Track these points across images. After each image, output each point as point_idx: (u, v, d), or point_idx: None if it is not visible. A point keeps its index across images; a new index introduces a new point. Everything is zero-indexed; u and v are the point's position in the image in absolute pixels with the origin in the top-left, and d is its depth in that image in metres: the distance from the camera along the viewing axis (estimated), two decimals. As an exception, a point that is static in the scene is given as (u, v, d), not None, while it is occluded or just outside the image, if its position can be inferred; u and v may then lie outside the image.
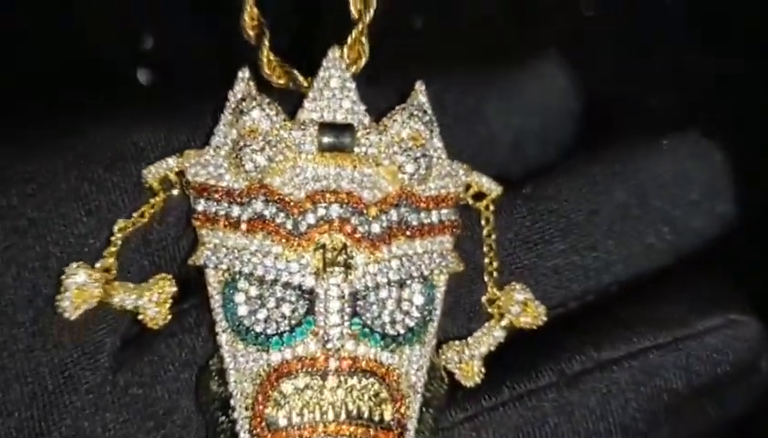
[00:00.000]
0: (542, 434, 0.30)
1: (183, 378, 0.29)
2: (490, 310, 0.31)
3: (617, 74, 0.44)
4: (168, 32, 0.42)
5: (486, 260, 0.31)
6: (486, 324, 0.31)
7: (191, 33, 0.42)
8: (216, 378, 0.29)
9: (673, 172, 0.33)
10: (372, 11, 0.31)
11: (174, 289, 0.29)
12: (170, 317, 0.29)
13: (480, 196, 0.32)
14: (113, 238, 0.29)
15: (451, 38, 0.35)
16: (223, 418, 0.29)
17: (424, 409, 0.30)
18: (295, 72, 0.31)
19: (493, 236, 0.31)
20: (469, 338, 0.31)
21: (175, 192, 0.30)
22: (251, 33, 0.31)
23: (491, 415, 0.30)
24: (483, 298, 0.31)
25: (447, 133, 0.32)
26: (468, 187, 0.32)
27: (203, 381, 0.29)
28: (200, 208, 0.29)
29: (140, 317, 0.29)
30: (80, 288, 0.28)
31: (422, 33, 0.35)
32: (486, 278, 0.31)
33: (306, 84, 0.30)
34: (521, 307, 0.31)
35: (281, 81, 0.31)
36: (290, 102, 0.30)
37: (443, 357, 0.30)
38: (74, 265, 0.28)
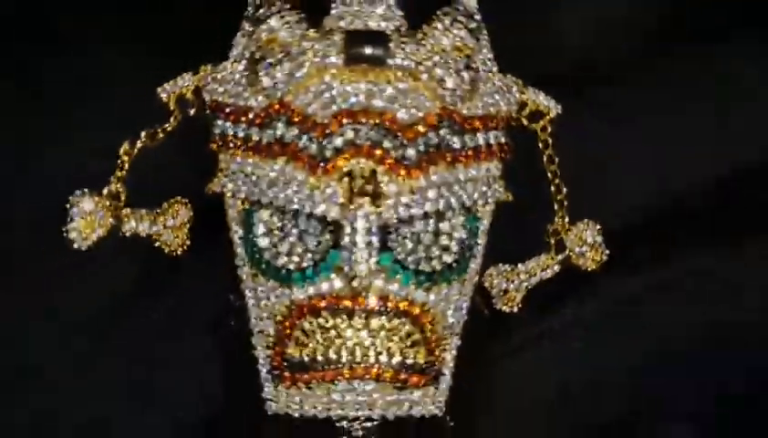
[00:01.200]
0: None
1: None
2: (551, 241, 0.29)
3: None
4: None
5: (552, 188, 0.29)
6: (543, 255, 0.29)
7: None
8: (236, 315, 0.27)
9: None
10: None
11: (191, 214, 0.28)
12: (188, 242, 0.28)
13: (536, 116, 0.28)
14: (119, 161, 0.27)
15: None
16: (244, 355, 0.27)
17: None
18: None
19: (556, 161, 0.28)
20: (520, 266, 0.29)
21: (192, 111, 0.27)
22: None
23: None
24: (550, 227, 0.29)
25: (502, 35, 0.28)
26: (522, 106, 0.28)
27: (223, 318, 0.28)
28: (217, 130, 0.27)
29: (157, 244, 0.28)
30: (88, 216, 0.26)
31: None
32: (556, 207, 0.29)
33: None
34: (588, 249, 0.28)
35: None
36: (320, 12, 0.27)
37: (488, 280, 0.28)
38: (78, 192, 0.26)
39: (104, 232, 0.27)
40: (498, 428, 0.31)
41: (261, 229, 0.26)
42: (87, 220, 0.26)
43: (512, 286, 0.28)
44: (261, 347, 0.26)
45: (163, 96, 0.27)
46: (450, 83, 0.26)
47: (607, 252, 0.28)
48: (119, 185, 0.27)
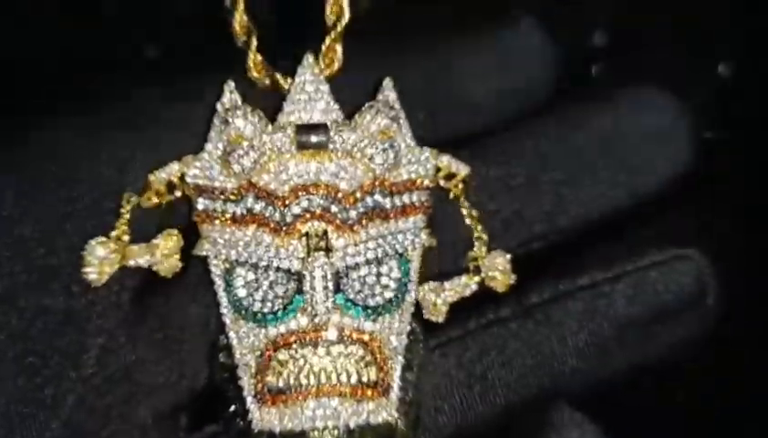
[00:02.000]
0: (503, 357, 0.34)
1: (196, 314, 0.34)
2: (470, 266, 0.35)
3: (585, 30, 0.46)
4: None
5: (472, 227, 0.35)
6: (464, 276, 0.35)
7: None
8: (224, 352, 0.33)
9: (629, 121, 0.37)
10: (345, 20, 0.34)
11: (181, 243, 0.33)
12: (180, 266, 0.33)
13: (450, 177, 0.35)
14: (122, 211, 0.33)
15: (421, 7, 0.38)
16: (231, 386, 0.33)
17: (406, 369, 0.34)
18: (278, 75, 0.34)
19: (474, 212, 0.35)
20: (446, 283, 0.34)
21: (178, 193, 0.34)
22: (241, 36, 0.35)
23: (458, 342, 0.34)
24: (470, 253, 0.35)
25: (420, 94, 0.35)
26: (438, 170, 0.35)
27: (214, 356, 0.34)
28: (200, 206, 0.34)
29: (155, 269, 0.33)
30: (102, 261, 0.32)
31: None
32: (475, 240, 0.35)
33: (286, 86, 0.34)
34: (499, 274, 0.34)
35: (266, 82, 0.35)
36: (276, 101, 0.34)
37: (421, 293, 0.34)
38: (92, 242, 0.32)
39: (114, 269, 0.33)
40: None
41: (240, 282, 0.33)
42: (101, 263, 0.32)
43: (439, 300, 0.34)
44: (245, 377, 0.33)
45: (155, 182, 0.34)
46: (378, 159, 0.33)
47: (514, 277, 0.35)
48: (123, 229, 0.33)
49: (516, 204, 0.36)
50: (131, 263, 0.33)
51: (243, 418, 0.33)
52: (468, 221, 0.35)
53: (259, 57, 0.34)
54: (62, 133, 0.34)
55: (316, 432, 0.33)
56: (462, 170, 0.35)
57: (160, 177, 0.34)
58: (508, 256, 0.35)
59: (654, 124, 0.37)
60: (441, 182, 0.35)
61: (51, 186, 0.33)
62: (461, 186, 0.35)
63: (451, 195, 0.35)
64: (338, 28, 0.34)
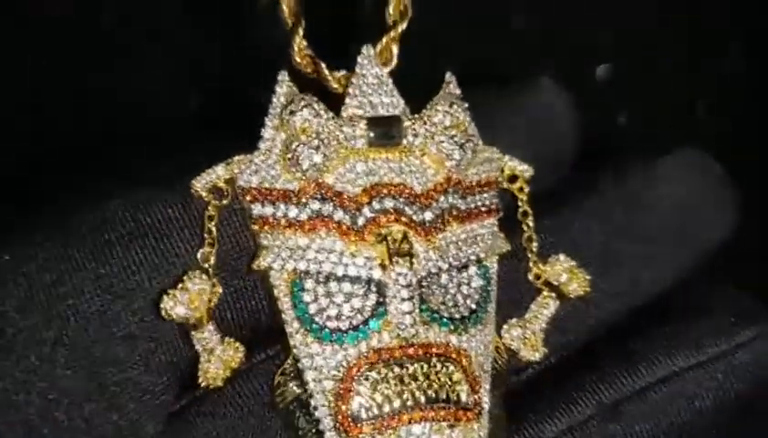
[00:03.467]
0: None
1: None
2: (538, 285, 0.32)
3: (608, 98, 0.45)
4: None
5: (525, 237, 0.32)
6: (538, 298, 0.32)
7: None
8: (294, 380, 0.29)
9: (674, 189, 0.34)
10: (407, 21, 0.32)
11: (241, 357, 0.29)
12: (221, 383, 0.29)
13: (513, 179, 0.33)
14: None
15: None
16: (304, 419, 0.28)
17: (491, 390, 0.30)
18: (322, 64, 0.31)
19: (531, 215, 0.33)
20: (526, 315, 0.32)
21: (225, 201, 0.29)
22: (288, 20, 0.31)
23: None
24: (530, 275, 0.32)
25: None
26: (502, 170, 0.33)
27: (280, 386, 0.29)
28: (256, 213, 0.29)
29: (200, 373, 0.29)
30: (198, 292, 0.28)
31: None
32: (529, 255, 0.32)
33: (329, 75, 0.31)
34: (568, 275, 0.32)
35: (308, 70, 0.31)
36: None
37: (506, 336, 0.31)
38: (196, 271, 0.28)
39: (197, 315, 0.28)
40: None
41: (309, 297, 0.29)
42: (196, 295, 0.28)
43: (528, 332, 0.31)
44: (322, 404, 0.28)
45: (198, 187, 0.29)
46: (456, 155, 0.30)
47: (587, 276, 0.32)
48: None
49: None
50: (200, 336, 0.29)
51: None
52: (525, 230, 0.33)
53: (304, 43, 0.31)
54: None
55: None
56: (527, 170, 0.33)
57: (204, 182, 0.29)
58: (564, 257, 0.32)
59: (698, 188, 0.35)
60: (505, 185, 0.33)
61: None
62: (525, 189, 0.33)
63: (518, 201, 0.33)
64: (399, 28, 0.32)
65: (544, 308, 0.32)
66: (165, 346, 0.29)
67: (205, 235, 0.29)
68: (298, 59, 0.31)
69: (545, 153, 0.34)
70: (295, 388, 0.29)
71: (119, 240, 0.28)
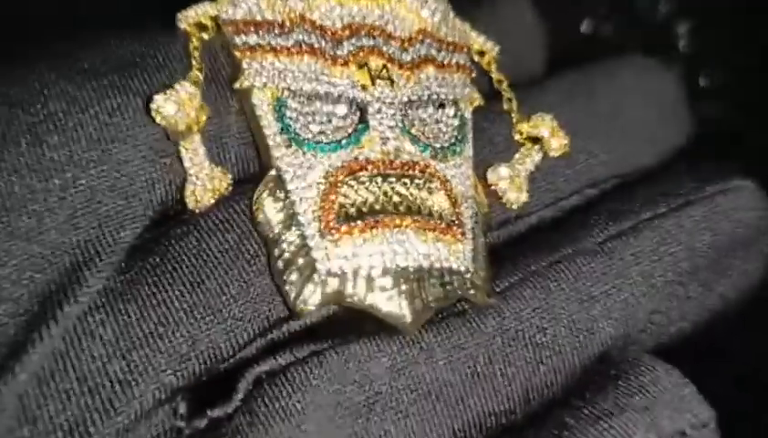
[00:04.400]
0: (577, 295, 0.30)
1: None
2: (521, 140, 0.33)
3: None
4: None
5: (505, 99, 0.34)
6: (522, 148, 0.33)
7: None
8: (275, 196, 0.28)
9: (635, 88, 0.37)
10: None
11: (228, 183, 0.29)
12: (208, 204, 0.29)
13: (482, 55, 0.35)
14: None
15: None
16: (287, 232, 0.28)
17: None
18: None
19: (505, 82, 0.34)
20: (512, 161, 0.33)
21: (206, 36, 0.30)
22: None
23: (524, 285, 0.30)
24: (514, 134, 0.33)
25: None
26: (470, 47, 0.34)
27: (259, 204, 0.28)
28: (239, 42, 0.30)
29: (186, 193, 0.28)
30: (189, 97, 0.28)
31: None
32: (513, 116, 0.33)
33: None
34: (550, 132, 0.33)
35: None
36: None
37: (492, 176, 0.32)
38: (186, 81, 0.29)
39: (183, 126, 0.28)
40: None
41: (293, 114, 0.29)
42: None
43: (513, 173, 0.32)
44: (306, 210, 0.28)
45: (183, 22, 0.30)
46: (425, 12, 0.32)
47: (566, 137, 0.33)
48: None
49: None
50: (187, 146, 0.29)
51: (310, 258, 0.27)
52: (503, 95, 0.34)
53: None
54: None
55: (392, 274, 0.28)
56: (493, 48, 0.35)
57: (189, 16, 0.30)
58: (549, 116, 0.33)
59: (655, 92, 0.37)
60: (475, 57, 0.35)
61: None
62: (493, 64, 0.35)
63: (490, 73, 0.35)
64: None
65: (529, 156, 0.33)
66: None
67: (193, 62, 0.29)
68: None
69: (514, 66, 0.36)
70: (273, 204, 0.28)
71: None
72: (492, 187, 0.32)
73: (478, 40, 0.35)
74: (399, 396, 0.27)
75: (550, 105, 0.34)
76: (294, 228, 0.28)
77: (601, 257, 0.31)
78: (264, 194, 0.28)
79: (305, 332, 0.28)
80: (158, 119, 0.28)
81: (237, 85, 0.29)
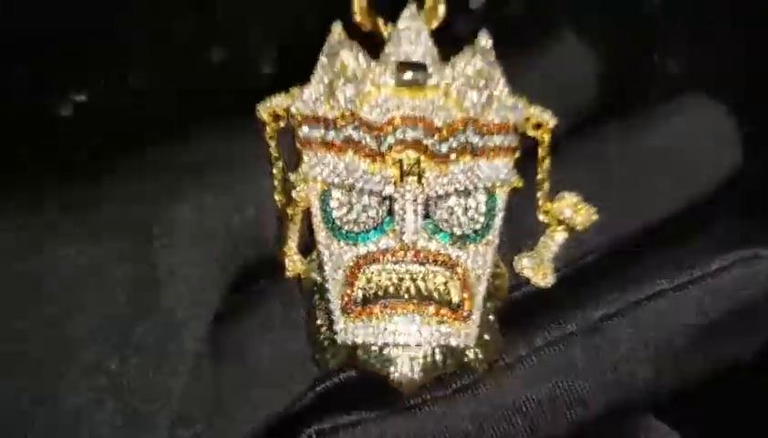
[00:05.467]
0: (572, 373, 0.34)
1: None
2: (546, 221, 0.37)
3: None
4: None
5: (539, 179, 0.37)
6: (547, 231, 0.37)
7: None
8: (317, 270, 0.36)
9: (681, 130, 0.38)
10: None
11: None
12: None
13: (538, 126, 0.37)
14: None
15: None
16: (321, 302, 0.35)
17: (488, 301, 0.36)
18: (380, 19, 0.37)
19: (547, 161, 0.37)
20: (536, 246, 0.36)
21: (282, 124, 0.36)
22: None
23: (526, 361, 0.35)
24: (539, 214, 0.37)
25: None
26: (527, 118, 0.37)
27: (305, 273, 0.36)
28: (302, 134, 0.36)
29: (288, 264, 0.35)
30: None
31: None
32: (538, 195, 0.37)
33: (385, 31, 0.37)
34: (573, 209, 0.36)
35: (368, 27, 0.37)
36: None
37: (518, 265, 0.36)
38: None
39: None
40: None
41: (335, 203, 0.35)
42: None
43: (538, 260, 0.36)
44: (334, 290, 0.35)
45: (262, 111, 0.36)
46: (473, 97, 0.36)
47: (594, 210, 0.36)
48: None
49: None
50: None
51: (330, 329, 0.35)
52: (541, 173, 0.37)
53: (365, 1, 0.37)
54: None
55: (396, 349, 0.34)
56: (550, 120, 0.37)
57: (266, 107, 0.36)
58: (569, 194, 0.37)
59: (703, 128, 0.38)
60: (530, 132, 0.37)
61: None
62: (546, 137, 0.37)
63: (539, 147, 0.37)
64: None
65: (553, 240, 0.36)
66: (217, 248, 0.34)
67: (271, 151, 0.36)
68: (359, 18, 0.38)
69: (565, 105, 0.38)
70: (316, 276, 0.35)
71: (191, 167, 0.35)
72: (519, 273, 0.36)
73: (535, 113, 0.37)
74: None
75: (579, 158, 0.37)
76: (325, 301, 0.35)
77: (601, 336, 0.35)
78: (308, 270, 0.36)
79: (356, 384, 0.35)
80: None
81: (295, 176, 0.36)
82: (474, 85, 0.36)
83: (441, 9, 0.38)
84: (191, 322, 0.32)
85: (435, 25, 0.38)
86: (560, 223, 0.36)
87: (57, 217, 0.32)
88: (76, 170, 0.34)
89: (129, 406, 0.30)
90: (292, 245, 0.35)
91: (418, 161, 0.35)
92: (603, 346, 0.34)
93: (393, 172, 0.35)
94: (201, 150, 0.35)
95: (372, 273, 0.35)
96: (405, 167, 0.35)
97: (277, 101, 0.36)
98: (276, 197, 0.36)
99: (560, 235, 0.36)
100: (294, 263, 0.35)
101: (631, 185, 0.37)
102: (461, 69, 0.36)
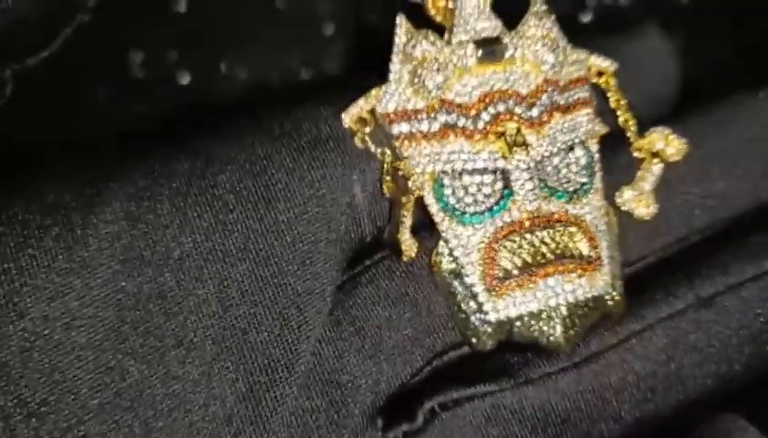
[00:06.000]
0: (684, 349, 0.35)
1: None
2: (641, 156, 0.38)
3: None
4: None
5: (622, 120, 0.38)
6: (642, 165, 0.38)
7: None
8: (447, 257, 0.36)
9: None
10: None
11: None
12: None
13: (600, 75, 0.39)
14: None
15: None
16: (460, 286, 0.36)
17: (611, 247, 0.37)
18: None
19: (622, 101, 0.38)
20: (634, 181, 0.38)
21: (369, 128, 0.36)
22: None
23: (636, 339, 0.35)
24: (632, 150, 0.38)
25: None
26: (589, 68, 0.38)
27: (436, 264, 0.36)
28: (396, 131, 0.36)
29: (405, 248, 0.35)
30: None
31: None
32: (628, 134, 0.38)
33: (438, 13, 0.37)
34: (665, 142, 0.37)
35: (438, 18, 0.38)
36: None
37: (620, 200, 0.38)
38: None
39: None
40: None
41: (449, 191, 0.36)
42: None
43: (638, 191, 0.37)
44: (473, 273, 0.35)
45: (347, 120, 0.36)
46: (550, 59, 0.37)
47: (684, 141, 0.37)
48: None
49: (676, 197, 0.38)
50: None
51: (480, 310, 0.35)
52: (621, 115, 0.38)
53: None
54: None
55: (547, 312, 0.35)
56: (611, 65, 0.39)
57: (351, 114, 0.36)
58: (661, 127, 0.38)
59: None
60: (594, 80, 0.39)
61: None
62: (611, 81, 0.39)
63: (608, 93, 0.39)
64: None
65: (649, 172, 0.37)
66: (338, 227, 0.34)
67: (370, 150, 0.36)
68: (432, 9, 0.37)
69: (647, 100, 0.40)
70: (448, 264, 0.36)
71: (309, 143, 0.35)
72: (622, 208, 0.37)
73: (595, 62, 0.39)
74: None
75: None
76: (465, 284, 0.36)
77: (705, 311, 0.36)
78: (438, 260, 0.36)
79: (471, 359, 0.36)
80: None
81: (401, 173, 0.36)
82: (547, 47, 0.37)
83: None
84: (311, 296, 0.32)
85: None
86: (654, 155, 0.38)
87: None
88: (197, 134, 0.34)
89: (252, 378, 0.31)
90: (406, 231, 0.35)
91: (519, 130, 0.36)
92: (712, 321, 0.36)
93: (498, 145, 0.36)
94: (314, 128, 0.35)
95: (506, 247, 0.35)
96: (509, 138, 0.36)
97: (360, 106, 0.36)
98: (385, 186, 0.36)
99: (656, 167, 0.37)
100: (410, 247, 0.35)
101: (725, 173, 0.38)
102: (532, 34, 0.37)
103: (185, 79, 0.43)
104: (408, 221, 0.35)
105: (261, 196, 0.33)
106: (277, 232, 0.32)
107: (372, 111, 0.37)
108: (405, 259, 0.35)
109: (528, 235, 0.35)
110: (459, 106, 0.36)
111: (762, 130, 0.39)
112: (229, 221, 0.32)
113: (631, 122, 0.38)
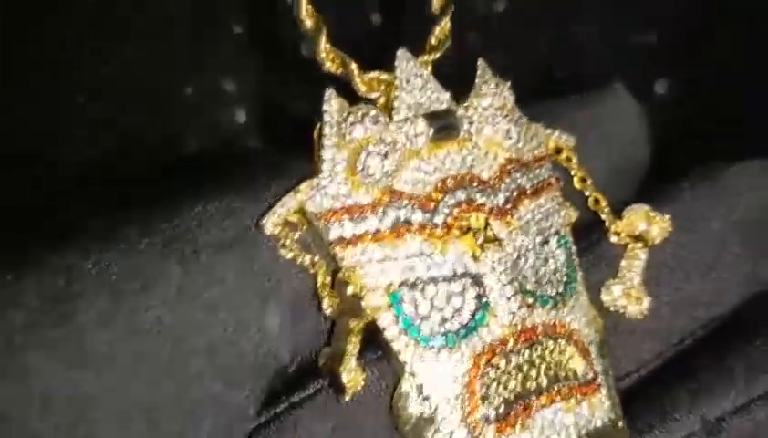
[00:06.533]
0: None
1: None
2: (620, 242, 0.32)
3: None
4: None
5: (591, 200, 0.32)
6: (626, 253, 0.32)
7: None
8: (415, 398, 0.28)
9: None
10: (451, 10, 0.31)
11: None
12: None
13: (559, 151, 0.33)
14: None
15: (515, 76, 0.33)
16: (431, 431, 0.28)
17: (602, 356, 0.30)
18: (347, 57, 0.30)
19: (588, 180, 0.33)
20: (619, 273, 0.31)
21: (299, 233, 0.28)
22: (308, 23, 0.30)
23: None
24: (611, 236, 0.32)
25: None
26: (547, 145, 0.32)
27: (401, 410, 0.28)
28: (334, 235, 0.28)
29: (349, 382, 0.28)
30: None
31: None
32: (603, 217, 0.32)
33: (354, 67, 0.30)
34: (646, 222, 0.32)
35: (333, 68, 0.30)
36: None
37: (607, 298, 0.31)
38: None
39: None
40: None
41: (409, 308, 0.28)
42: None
43: (627, 285, 0.31)
44: (451, 411, 0.27)
45: (268, 228, 0.28)
46: (513, 133, 0.30)
47: (667, 217, 0.31)
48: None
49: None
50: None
51: None
52: (588, 195, 0.33)
53: (328, 45, 0.30)
54: None
55: None
56: (570, 140, 0.33)
57: (274, 219, 0.28)
58: (639, 206, 0.32)
59: None
60: (552, 158, 0.33)
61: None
62: (573, 158, 0.33)
63: (571, 171, 0.33)
64: (444, 20, 0.31)
65: (636, 259, 0.32)
66: (247, 358, 0.27)
67: (300, 263, 0.28)
68: (323, 55, 0.30)
69: (620, 163, 0.34)
70: (416, 406, 0.28)
71: (205, 249, 0.27)
72: (611, 308, 0.31)
73: (552, 137, 0.33)
74: None
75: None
76: (439, 435, 0.28)
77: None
78: (402, 404, 0.28)
79: None
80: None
81: (349, 293, 0.28)
82: (507, 119, 0.30)
83: (446, 45, 0.31)
84: None
85: (431, 59, 0.31)
86: (636, 239, 0.32)
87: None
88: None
89: None
90: (351, 361, 0.27)
91: (487, 223, 0.29)
92: None
93: (465, 243, 0.28)
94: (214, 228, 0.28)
95: (489, 375, 0.28)
96: (477, 234, 0.29)
97: (286, 207, 0.28)
98: (326, 303, 0.28)
99: (641, 253, 0.32)
100: (355, 381, 0.28)
101: (716, 265, 0.33)
102: (488, 105, 0.30)
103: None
104: (354, 350, 0.28)
105: (128, 328, 0.25)
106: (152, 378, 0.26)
107: (302, 211, 0.28)
108: (347, 398, 0.28)
109: (514, 358, 0.28)
110: (411, 197, 0.28)
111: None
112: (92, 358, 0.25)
113: (603, 203, 0.32)
